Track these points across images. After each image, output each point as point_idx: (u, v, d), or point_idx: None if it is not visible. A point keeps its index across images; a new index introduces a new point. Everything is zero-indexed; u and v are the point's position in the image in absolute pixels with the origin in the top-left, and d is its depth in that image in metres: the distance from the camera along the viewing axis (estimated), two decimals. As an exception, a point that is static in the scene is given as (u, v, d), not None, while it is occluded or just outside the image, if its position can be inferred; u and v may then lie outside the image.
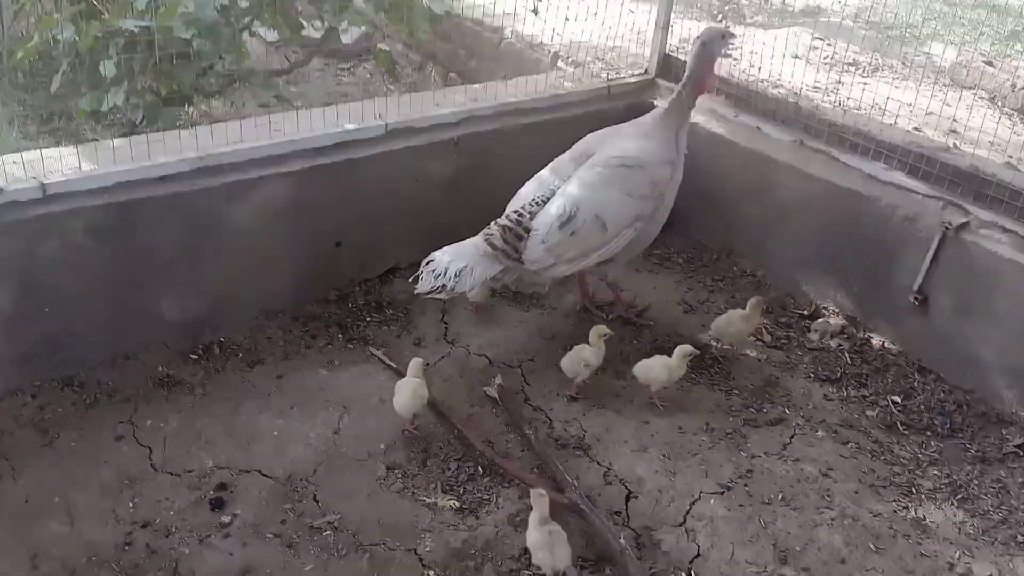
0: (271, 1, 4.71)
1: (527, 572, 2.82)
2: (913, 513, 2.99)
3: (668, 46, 4.94)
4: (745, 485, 3.11)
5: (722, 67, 4.10)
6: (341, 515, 3.03)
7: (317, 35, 5.26)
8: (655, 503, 3.06)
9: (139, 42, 4.16)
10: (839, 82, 5.13)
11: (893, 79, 5.27)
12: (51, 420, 3.34)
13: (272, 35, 5.33)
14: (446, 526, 2.99)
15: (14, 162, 3.36)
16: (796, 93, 4.49)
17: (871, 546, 2.87)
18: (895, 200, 3.81)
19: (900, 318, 3.84)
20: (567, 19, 5.70)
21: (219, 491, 3.12)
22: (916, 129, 4.20)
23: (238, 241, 3.81)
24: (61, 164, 3.43)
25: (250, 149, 3.80)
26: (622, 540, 2.83)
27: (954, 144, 4.01)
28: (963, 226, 3.59)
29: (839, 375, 3.70)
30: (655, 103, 4.82)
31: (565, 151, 3.96)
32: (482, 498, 3.09)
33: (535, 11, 5.23)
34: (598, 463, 3.23)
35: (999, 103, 5.19)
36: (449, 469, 3.21)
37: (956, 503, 3.04)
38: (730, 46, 3.81)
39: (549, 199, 3.69)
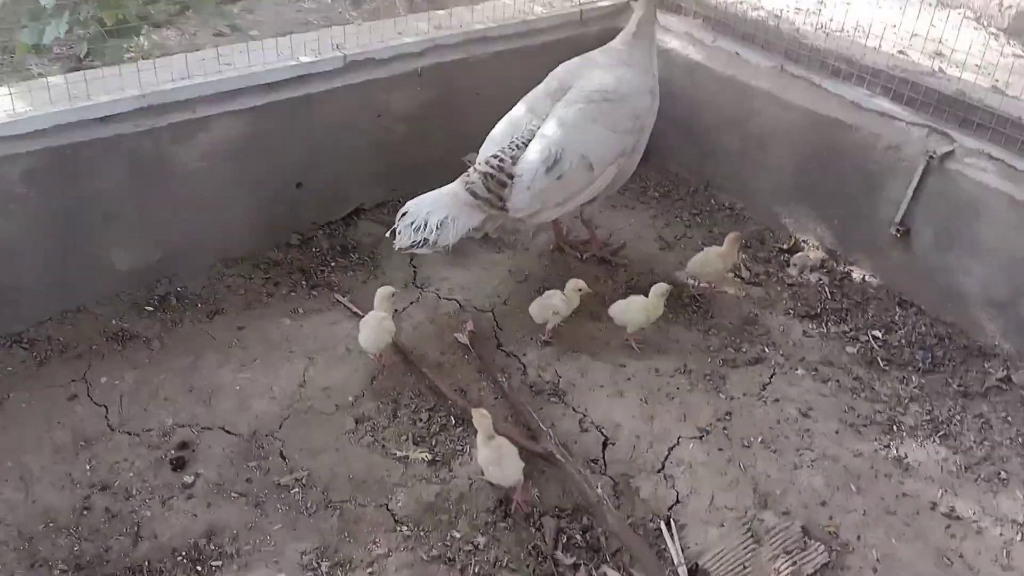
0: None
1: (503, 524, 2.74)
2: (895, 452, 2.94)
3: (642, -34, 4.67)
4: (724, 428, 3.04)
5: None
6: (309, 471, 2.92)
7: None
8: (632, 449, 2.98)
9: (80, -32, 3.86)
10: (821, 2, 4.91)
11: (876, -1, 5.06)
12: (0, 380, 3.17)
13: (223, -42, 5.00)
14: (418, 479, 2.89)
15: (-60, 106, 3.12)
16: (777, 16, 4.28)
17: (852, 487, 2.81)
18: (878, 128, 3.66)
19: (881, 251, 3.74)
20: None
21: (180, 450, 3.00)
22: (901, 52, 4.02)
23: (189, 185, 3.60)
24: (-10, 106, 3.18)
25: (198, 85, 3.55)
26: (599, 490, 2.75)
27: (939, 68, 3.85)
28: (948, 155, 3.46)
29: (819, 311, 3.61)
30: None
31: (536, 81, 3.75)
32: (455, 449, 2.99)
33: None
34: (573, 409, 3.14)
35: (985, 23, 5.01)
36: (420, 420, 3.10)
37: (938, 440, 2.99)
38: None
39: (529, 141, 3.46)
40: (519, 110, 3.60)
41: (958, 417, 3.07)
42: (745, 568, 2.51)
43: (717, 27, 4.39)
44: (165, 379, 3.25)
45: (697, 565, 2.54)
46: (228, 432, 3.06)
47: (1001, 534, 2.65)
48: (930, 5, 4.91)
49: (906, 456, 2.92)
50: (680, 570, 2.52)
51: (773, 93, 4.01)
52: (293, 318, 3.56)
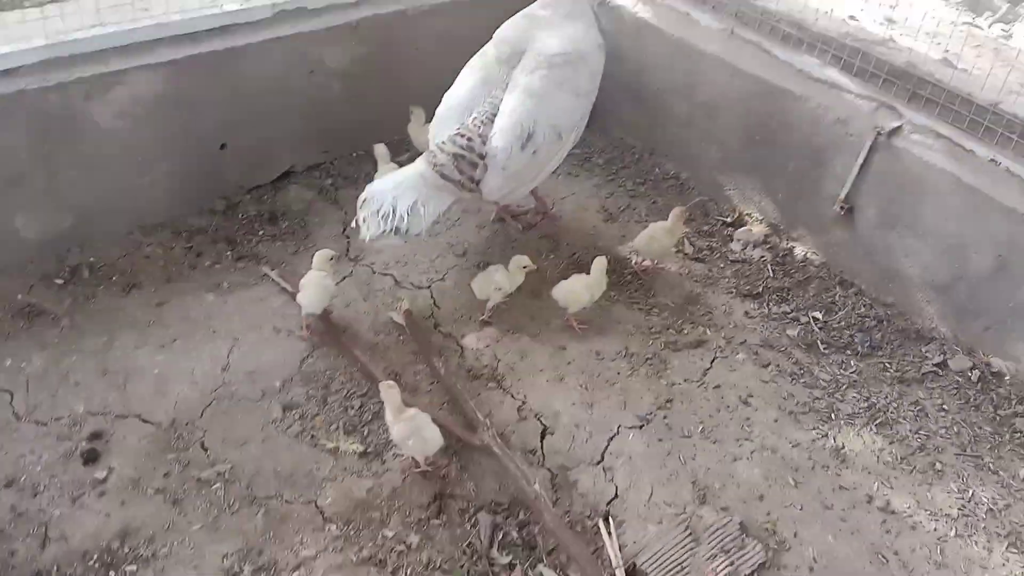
0: None
1: (437, 521, 2.65)
2: (832, 441, 2.93)
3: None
4: (664, 417, 2.98)
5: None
6: (232, 464, 2.78)
7: None
8: (571, 439, 2.90)
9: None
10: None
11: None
12: None
13: None
14: (349, 473, 2.77)
15: None
16: (728, -27, 4.10)
17: (790, 480, 2.80)
18: (827, 100, 3.56)
19: (824, 228, 3.68)
20: None
21: (92, 441, 2.82)
22: (852, 18, 3.90)
23: (103, 145, 3.34)
24: None
25: (110, 35, 3.28)
26: (536, 486, 2.68)
27: (891, 36, 3.75)
28: (895, 131, 3.38)
29: (760, 289, 3.55)
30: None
31: (481, 36, 3.51)
32: (388, 440, 2.86)
33: None
34: (512, 396, 3.04)
35: (936, -14, 4.91)
36: (352, 407, 2.97)
37: (875, 428, 2.98)
38: None
39: (494, 115, 3.21)
40: (472, 79, 3.33)
41: (895, 404, 3.07)
42: (683, 568, 2.47)
43: (667, -16, 4.20)
44: (76, 361, 3.04)
45: (635, 565, 2.50)
46: (144, 421, 2.89)
47: (935, 529, 2.67)
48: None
49: (843, 446, 2.91)
50: (618, 572, 2.47)
51: (723, 58, 3.87)
52: (217, 293, 3.36)
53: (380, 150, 3.79)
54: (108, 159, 3.36)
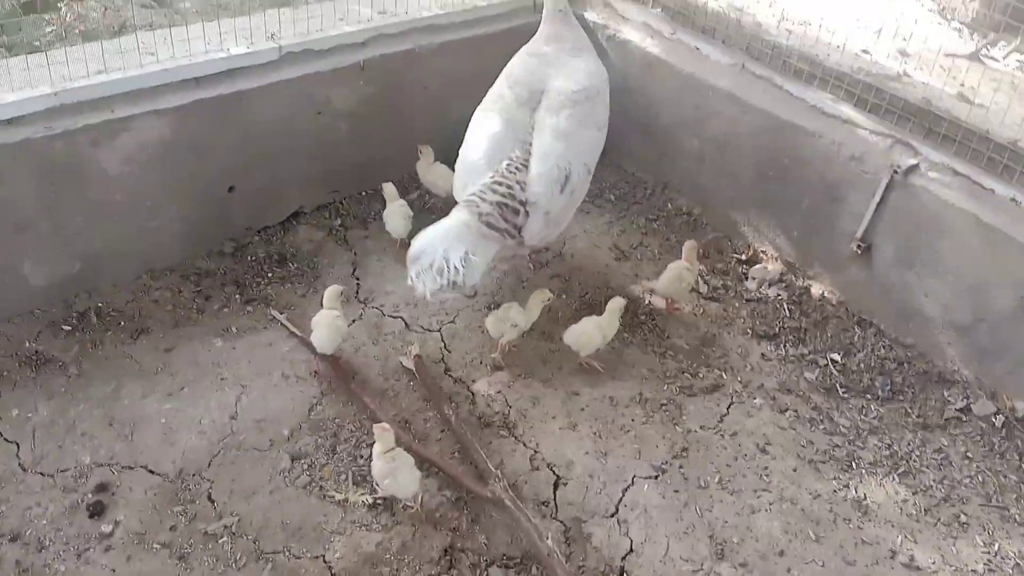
0: None
1: (448, 576, 2.58)
2: (853, 492, 2.85)
3: (600, -50, 4.43)
4: (680, 467, 2.91)
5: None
6: (239, 517, 2.73)
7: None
8: (585, 490, 2.84)
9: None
10: (782, -11, 4.71)
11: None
12: (-102, 412, 2.91)
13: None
14: (358, 526, 2.72)
15: None
16: (737, 8, 4.07)
17: (811, 533, 2.72)
18: (840, 137, 3.51)
19: (841, 266, 3.62)
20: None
21: (98, 493, 2.78)
22: (864, 52, 3.86)
23: (110, 191, 3.32)
24: None
25: (116, 82, 3.26)
26: (549, 542, 2.61)
27: (904, 71, 3.70)
28: (912, 168, 3.33)
29: (777, 330, 3.49)
30: (586, 15, 4.36)
31: (487, 74, 3.52)
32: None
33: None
34: (524, 444, 2.98)
35: (949, 16, 4.87)
36: (361, 456, 2.92)
37: (897, 478, 2.91)
38: None
39: (526, 160, 3.17)
40: (495, 124, 3.28)
41: (917, 452, 3.00)
42: (701, 629, 2.40)
43: (677, 18, 4.18)
44: (83, 410, 3.00)
45: (651, 625, 2.43)
46: (151, 472, 2.85)
47: (960, 585, 2.59)
48: (893, -7, 4.77)
49: (865, 497, 2.83)
50: (633, 632, 2.40)
51: (734, 93, 3.83)
52: (225, 338, 3.32)
53: (389, 189, 3.77)
54: (116, 205, 3.35)
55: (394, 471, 2.67)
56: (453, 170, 3.84)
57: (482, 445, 2.93)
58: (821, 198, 3.63)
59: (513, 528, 2.70)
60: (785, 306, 3.60)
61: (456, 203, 3.28)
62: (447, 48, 4.02)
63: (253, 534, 2.68)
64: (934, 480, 2.90)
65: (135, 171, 3.33)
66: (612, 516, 2.76)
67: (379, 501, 2.79)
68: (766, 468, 2.92)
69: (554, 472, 2.89)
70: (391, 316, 3.47)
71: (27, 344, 3.20)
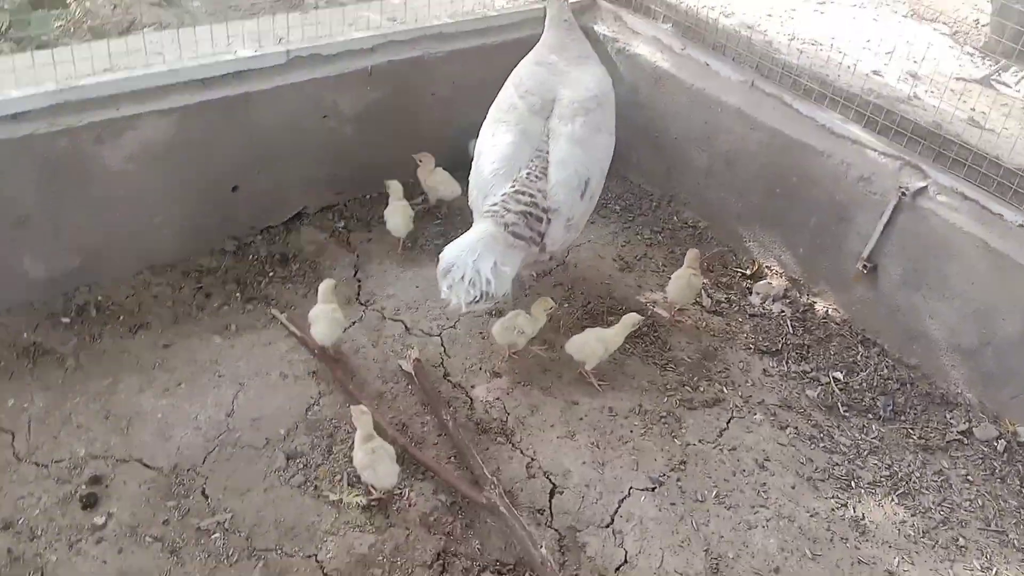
0: None
1: (439, 582, 2.56)
2: (852, 511, 2.82)
3: (612, -38, 4.45)
4: (678, 480, 2.88)
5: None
6: (233, 514, 2.71)
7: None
8: (581, 499, 2.81)
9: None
10: (793, 9, 4.72)
11: (851, 6, 4.89)
12: None
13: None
14: (351, 527, 2.69)
15: None
16: (749, 26, 4.08)
17: (807, 551, 2.69)
18: (849, 157, 3.50)
19: (846, 285, 3.60)
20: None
21: (92, 485, 2.76)
22: (875, 73, 3.86)
23: (112, 188, 3.32)
24: None
25: (121, 81, 3.25)
26: (543, 550, 2.58)
27: (915, 94, 3.70)
28: (920, 191, 3.32)
29: (780, 346, 3.47)
30: (596, 27, 4.37)
31: (494, 83, 3.53)
32: (393, 493, 2.79)
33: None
34: (521, 451, 2.96)
35: (961, 41, 4.88)
36: (357, 458, 2.89)
37: (896, 499, 2.87)
38: None
39: (544, 169, 3.20)
40: (511, 134, 3.28)
41: (917, 473, 2.97)
42: (694, 644, 2.37)
43: (687, 34, 4.19)
44: (79, 403, 2.99)
45: (643, 638, 2.40)
46: (146, 466, 2.83)
47: (957, 610, 2.55)
48: (904, 16, 4.77)
49: (863, 517, 2.80)
50: (625, 644, 2.37)
51: (743, 111, 3.83)
52: (224, 336, 3.31)
53: (394, 186, 3.76)
54: (117, 201, 3.34)
55: (374, 463, 2.70)
56: (457, 177, 3.87)
57: (479, 451, 2.91)
58: (828, 217, 3.62)
59: (507, 535, 2.68)
60: (788, 322, 3.59)
61: (472, 213, 3.33)
62: (456, 56, 4.03)
63: (246, 531, 2.66)
64: (933, 502, 2.87)
65: (138, 169, 3.32)
66: (607, 526, 2.74)
67: (373, 503, 2.76)
68: (764, 484, 2.89)
69: (550, 480, 2.87)
70: (392, 319, 3.45)
71: (25, 335, 3.19)
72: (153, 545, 2.60)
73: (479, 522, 2.73)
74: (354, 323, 3.41)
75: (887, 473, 2.96)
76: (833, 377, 3.34)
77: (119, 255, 3.44)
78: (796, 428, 3.11)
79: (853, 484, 2.92)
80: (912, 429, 3.14)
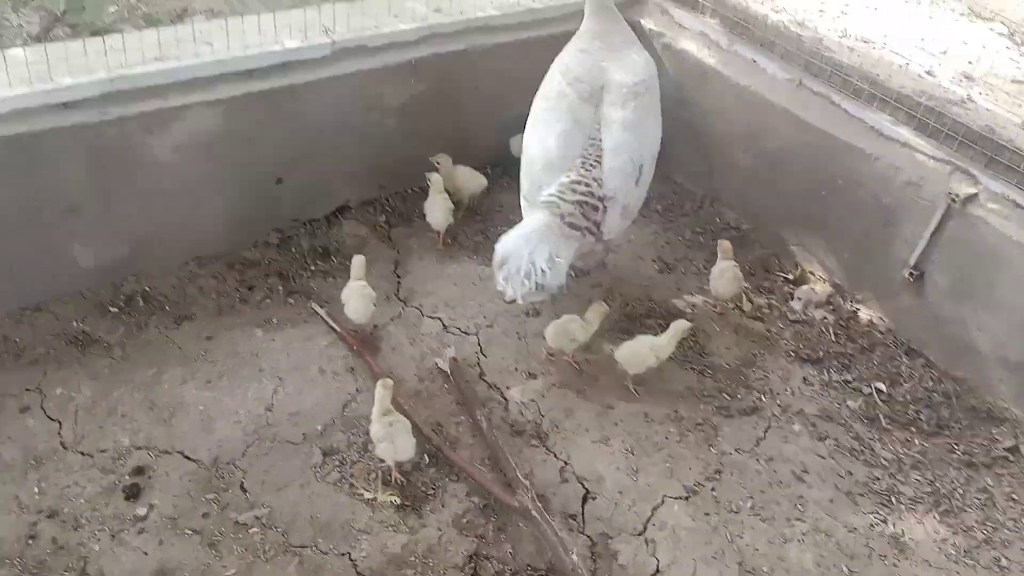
0: None
1: (471, 583, 2.58)
2: (891, 527, 2.78)
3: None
4: (713, 489, 2.87)
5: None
6: (270, 509, 2.75)
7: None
8: (614, 506, 2.81)
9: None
10: (846, 4, 4.60)
11: (905, 3, 4.75)
12: (-50, 385, 2.98)
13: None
14: (385, 526, 2.72)
15: None
16: (799, 22, 3.99)
17: (844, 568, 2.66)
18: (898, 161, 3.42)
19: (892, 293, 3.53)
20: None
21: (135, 476, 2.83)
22: (928, 73, 3.75)
23: (159, 178, 3.36)
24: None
25: (171, 70, 3.29)
26: (574, 556, 2.59)
27: (968, 96, 3.59)
28: (971, 198, 3.23)
29: (821, 355, 3.41)
30: (642, 21, 4.31)
31: (539, 77, 3.50)
32: (426, 493, 2.82)
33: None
34: (555, 455, 2.96)
35: (1018, 41, 4.72)
36: (391, 456, 2.92)
37: (938, 516, 2.83)
38: None
39: (599, 157, 3.19)
40: (563, 123, 3.27)
41: (960, 490, 2.91)
42: (724, 658, 2.36)
43: (735, 30, 4.10)
44: (124, 393, 3.05)
45: (674, 649, 2.39)
46: (187, 458, 2.88)
47: (997, 634, 2.51)
48: (960, 15, 4.62)
49: (903, 534, 2.76)
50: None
51: (790, 110, 3.76)
52: (266, 329, 3.35)
53: (435, 179, 3.76)
54: (165, 192, 3.39)
55: (391, 435, 2.74)
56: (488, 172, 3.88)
57: (513, 453, 2.92)
58: (874, 222, 3.54)
59: (539, 540, 2.69)
60: (831, 330, 3.53)
61: (522, 204, 3.35)
62: (500, 49, 4.00)
63: (282, 527, 2.70)
64: (976, 520, 2.82)
65: (185, 160, 3.37)
66: (640, 535, 2.73)
67: (407, 503, 2.79)
68: (801, 497, 2.86)
69: (584, 486, 2.87)
70: (429, 316, 3.47)
71: (74, 324, 3.26)
72: (192, 537, 2.66)
73: (511, 525, 2.74)
74: (392, 319, 3.43)
75: (929, 489, 2.91)
76: (876, 388, 3.28)
77: (166, 245, 3.49)
78: (836, 440, 3.07)
79: (894, 499, 2.87)
80: (956, 444, 3.08)
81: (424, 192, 3.86)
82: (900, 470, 2.97)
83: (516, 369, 3.27)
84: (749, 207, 4.06)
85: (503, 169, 4.22)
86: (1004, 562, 2.70)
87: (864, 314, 3.60)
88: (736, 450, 3.01)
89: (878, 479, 2.94)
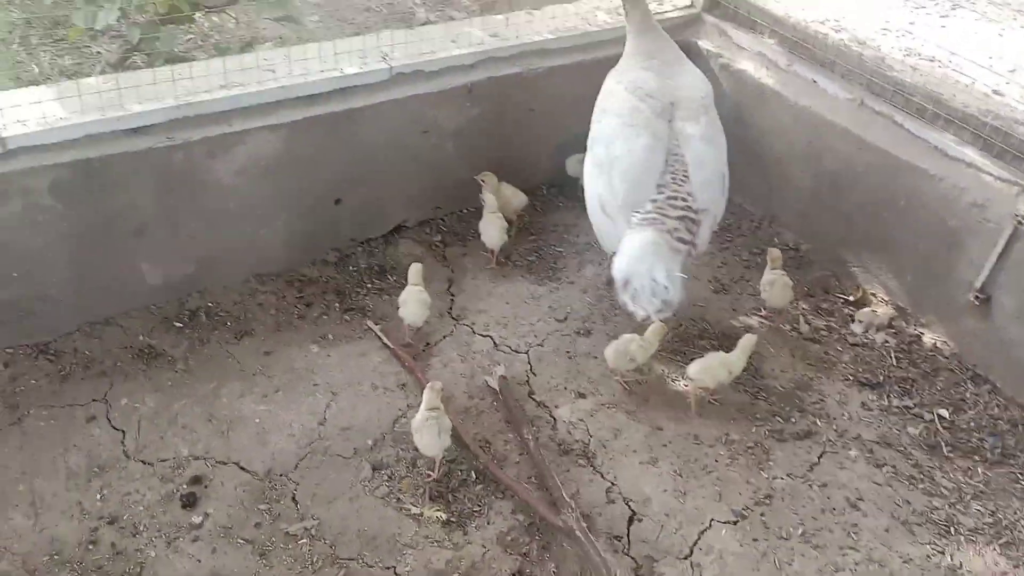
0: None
1: (513, 602, 2.58)
2: (949, 559, 2.67)
3: (718, -23, 4.37)
4: (762, 514, 2.81)
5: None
6: (320, 520, 2.81)
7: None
8: (660, 528, 2.78)
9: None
10: (911, 23, 4.50)
11: (975, 19, 4.62)
12: (22, 393, 3.14)
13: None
14: (430, 542, 2.75)
15: (-31, 113, 3.05)
16: (860, 41, 3.92)
17: (898, 601, 2.57)
18: (963, 182, 3.32)
19: (957, 316, 3.41)
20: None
21: (192, 485, 2.91)
22: (996, 92, 3.64)
23: (223, 200, 3.49)
24: (23, 113, 3.10)
25: (234, 97, 3.42)
26: (618, 577, 2.56)
27: (1040, 114, 3.47)
28: (1039, 220, 3.11)
29: (881, 379, 3.32)
30: (700, 43, 4.30)
31: (592, 98, 3.55)
32: (472, 510, 2.84)
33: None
34: (602, 475, 2.95)
35: (1096, 56, 4.54)
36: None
37: (999, 548, 2.71)
38: None
39: (685, 171, 3.23)
40: (642, 139, 3.27)
41: (1023, 523, 2.78)
42: None
43: (794, 49, 4.06)
44: (185, 405, 3.16)
45: (717, 677, 2.34)
46: (243, 469, 2.96)
47: (1060, 675, 2.38)
48: (1035, 31, 4.47)
49: (961, 566, 2.65)
50: None
51: (851, 130, 3.69)
52: (322, 345, 3.43)
53: (489, 199, 3.81)
54: (228, 213, 3.51)
55: (426, 428, 2.82)
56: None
57: (559, 472, 2.92)
58: (938, 244, 3.44)
59: (583, 560, 2.67)
60: (892, 354, 3.43)
61: (595, 226, 3.42)
62: (555, 72, 4.05)
63: (331, 539, 2.75)
64: (1041, 555, 2.69)
65: (248, 182, 3.49)
66: (686, 558, 2.69)
67: (452, 519, 2.81)
68: (855, 525, 2.78)
69: (630, 507, 2.84)
70: (481, 335, 3.50)
71: (141, 338, 3.40)
72: (244, 547, 2.73)
73: (556, 545, 2.74)
74: (444, 337, 3.48)
75: (990, 520, 2.79)
76: (938, 414, 3.17)
77: (229, 263, 3.62)
78: (894, 467, 2.98)
79: (952, 530, 2.76)
80: (1021, 475, 2.95)
81: (478, 212, 3.91)
82: (960, 499, 2.86)
83: (565, 388, 3.27)
84: (808, 227, 3.99)
85: (559, 189, 4.25)
86: (1070, 601, 2.57)
87: (928, 338, 3.49)
88: (788, 475, 2.94)
89: (937, 508, 2.83)
